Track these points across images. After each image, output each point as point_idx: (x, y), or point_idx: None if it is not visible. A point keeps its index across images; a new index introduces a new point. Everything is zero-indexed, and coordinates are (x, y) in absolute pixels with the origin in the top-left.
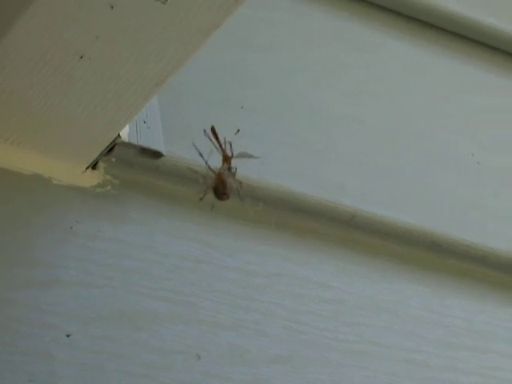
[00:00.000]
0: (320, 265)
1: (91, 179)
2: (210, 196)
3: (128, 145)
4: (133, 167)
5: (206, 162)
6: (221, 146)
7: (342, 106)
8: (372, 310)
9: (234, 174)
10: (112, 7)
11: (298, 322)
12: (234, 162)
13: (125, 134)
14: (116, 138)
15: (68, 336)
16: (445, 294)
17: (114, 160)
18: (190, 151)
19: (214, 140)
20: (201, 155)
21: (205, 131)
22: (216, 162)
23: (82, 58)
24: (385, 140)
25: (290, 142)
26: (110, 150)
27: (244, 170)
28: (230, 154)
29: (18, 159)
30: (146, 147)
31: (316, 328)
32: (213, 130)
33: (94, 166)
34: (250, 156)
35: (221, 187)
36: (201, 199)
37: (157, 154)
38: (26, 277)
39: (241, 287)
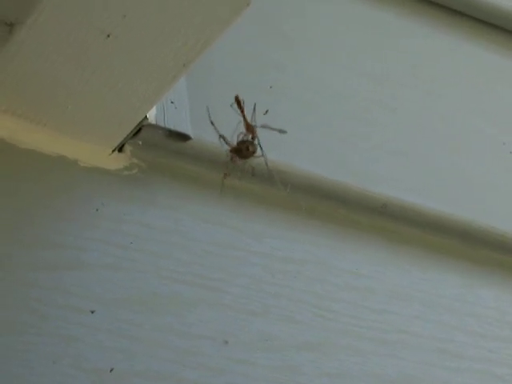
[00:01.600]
0: (350, 253)
1: (118, 162)
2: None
3: (155, 127)
4: (160, 150)
5: (225, 139)
6: (244, 115)
7: (373, 93)
8: (403, 298)
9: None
10: None
11: (327, 310)
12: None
13: (152, 116)
14: (143, 120)
15: (92, 319)
16: (477, 284)
17: (140, 143)
18: (217, 134)
19: (237, 110)
20: (221, 136)
21: (231, 105)
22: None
23: (108, 36)
24: (417, 128)
25: (321, 128)
26: (137, 132)
27: (273, 155)
28: (253, 124)
29: (44, 141)
30: (174, 130)
31: (346, 316)
32: (237, 99)
33: (120, 148)
34: (274, 129)
35: (243, 147)
36: (225, 176)
37: (184, 137)
38: (51, 259)
39: (269, 273)
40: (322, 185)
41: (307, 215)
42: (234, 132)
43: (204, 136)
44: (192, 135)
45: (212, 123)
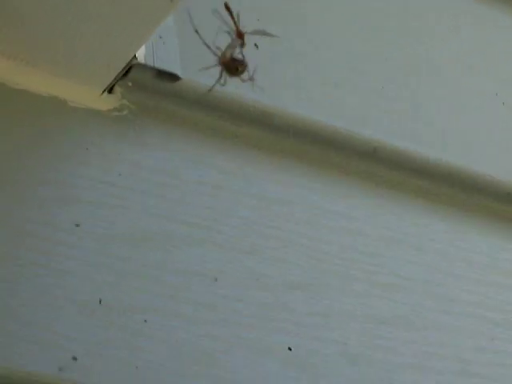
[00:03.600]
0: (342, 196)
1: (108, 103)
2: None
3: (144, 67)
4: (150, 91)
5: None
6: (234, 21)
7: (365, 42)
8: (395, 242)
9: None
10: None
11: (319, 251)
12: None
13: (141, 55)
14: (132, 60)
15: (82, 253)
16: (469, 231)
17: (130, 84)
18: (207, 74)
19: (226, 17)
20: (206, 45)
21: (216, 11)
22: None
23: None
24: (408, 76)
25: (313, 72)
26: (127, 72)
27: (264, 98)
28: (243, 30)
29: (35, 81)
30: (163, 69)
31: (337, 258)
32: (226, 5)
33: (110, 89)
34: (267, 33)
35: (233, 65)
36: (210, 90)
37: (174, 77)
38: (43, 194)
39: (260, 214)
40: (312, 127)
41: (299, 159)
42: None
43: (193, 76)
44: (181, 75)
45: (196, 31)
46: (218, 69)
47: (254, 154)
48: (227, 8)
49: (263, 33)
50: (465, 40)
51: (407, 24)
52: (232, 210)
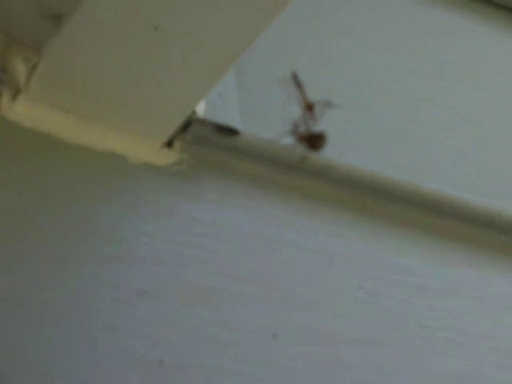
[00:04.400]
0: (402, 250)
1: (167, 157)
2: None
3: (204, 122)
4: (209, 145)
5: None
6: (303, 92)
7: (425, 91)
8: (455, 295)
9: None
10: None
11: (378, 305)
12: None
13: (200, 110)
14: (191, 115)
15: (141, 311)
16: None
17: (189, 138)
18: (266, 128)
19: (295, 87)
20: (298, 84)
21: (284, 80)
22: None
23: (156, 29)
24: (471, 126)
25: (370, 124)
26: (186, 127)
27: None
28: (312, 102)
29: (92, 136)
30: (222, 124)
31: (397, 312)
32: (294, 76)
33: (169, 144)
34: (332, 104)
35: (312, 137)
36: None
37: (233, 132)
38: (100, 252)
39: (317, 268)
40: (371, 181)
41: (357, 211)
42: (284, 116)
43: (253, 130)
44: (241, 129)
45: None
46: (294, 139)
47: (313, 207)
48: (295, 79)
49: (330, 105)
50: None
51: (470, 73)
52: (290, 265)
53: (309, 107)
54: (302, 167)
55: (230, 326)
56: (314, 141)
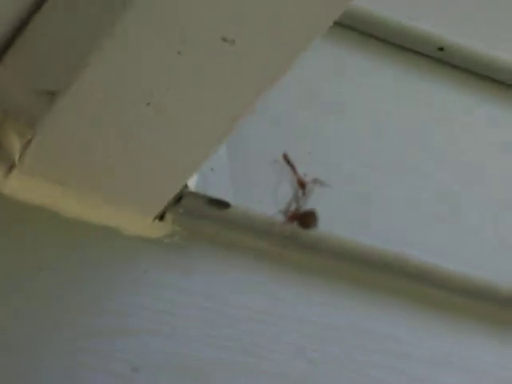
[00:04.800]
0: (390, 318)
1: (159, 230)
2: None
3: (196, 195)
4: (201, 217)
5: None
6: (296, 171)
7: (414, 161)
8: (443, 365)
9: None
10: (179, 53)
11: (367, 375)
12: None
13: (192, 183)
14: (184, 188)
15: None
16: None
17: (181, 211)
18: (257, 201)
19: (286, 166)
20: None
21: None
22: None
23: (149, 104)
24: (453, 195)
25: (361, 195)
26: (178, 200)
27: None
28: (304, 180)
29: (86, 209)
30: (214, 197)
31: (386, 382)
32: (285, 156)
33: (161, 216)
34: (323, 183)
35: (304, 216)
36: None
37: (225, 205)
38: (96, 324)
39: (308, 339)
40: (360, 251)
41: (346, 281)
42: (276, 192)
43: (244, 203)
44: (232, 202)
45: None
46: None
47: (301, 278)
48: (286, 159)
49: (322, 183)
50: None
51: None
52: (280, 336)
53: (301, 185)
54: (292, 240)
55: None
56: (306, 219)
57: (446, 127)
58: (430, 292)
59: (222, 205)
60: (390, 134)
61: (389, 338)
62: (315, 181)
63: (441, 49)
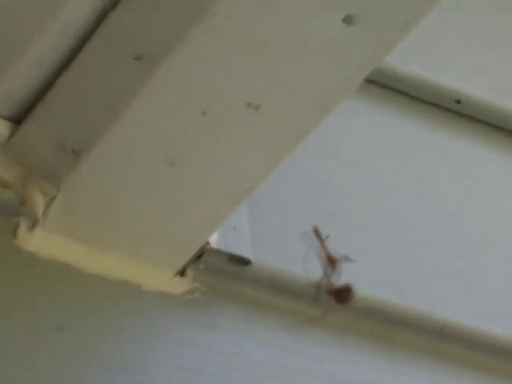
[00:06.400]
0: (410, 376)
1: (180, 286)
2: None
3: (217, 252)
4: (221, 274)
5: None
6: (325, 247)
7: (433, 217)
8: None
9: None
10: (204, 114)
11: None
12: None
13: (213, 240)
14: (205, 245)
15: None
16: None
17: (202, 267)
18: (278, 258)
19: (316, 241)
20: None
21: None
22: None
23: (172, 164)
24: (473, 250)
25: (381, 253)
26: (199, 256)
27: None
28: (334, 256)
29: (108, 265)
30: (234, 254)
31: None
32: (315, 230)
33: (182, 272)
34: (349, 259)
35: (340, 292)
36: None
37: (245, 261)
38: (114, 381)
39: None
40: (381, 308)
41: (368, 338)
42: (303, 262)
43: (264, 260)
44: (253, 259)
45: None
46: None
47: (324, 334)
48: (316, 232)
49: (348, 259)
50: None
51: (470, 196)
52: None
53: (331, 261)
54: (313, 295)
55: None
56: (342, 295)
57: (464, 179)
58: (451, 349)
59: (242, 261)
60: (407, 189)
61: None
62: (345, 258)
63: (458, 101)
